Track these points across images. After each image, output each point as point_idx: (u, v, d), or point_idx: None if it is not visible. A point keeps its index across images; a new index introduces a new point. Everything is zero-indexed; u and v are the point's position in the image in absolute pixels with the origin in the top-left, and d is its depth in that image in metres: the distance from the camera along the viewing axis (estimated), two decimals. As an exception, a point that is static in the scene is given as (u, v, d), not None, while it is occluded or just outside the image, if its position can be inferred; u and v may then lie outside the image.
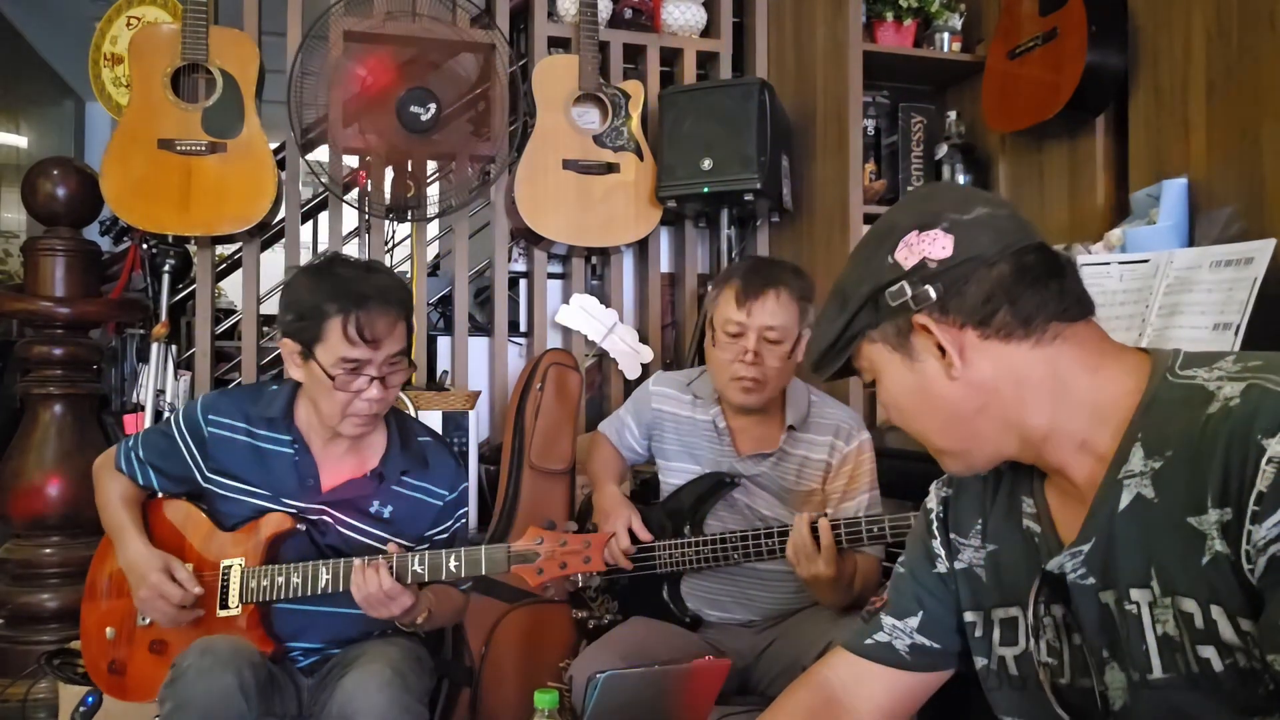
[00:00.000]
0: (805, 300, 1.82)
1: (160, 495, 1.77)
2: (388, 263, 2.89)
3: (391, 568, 1.57)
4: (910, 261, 0.90)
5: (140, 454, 1.74)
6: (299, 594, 1.62)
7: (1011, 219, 0.91)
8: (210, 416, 1.71)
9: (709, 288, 2.76)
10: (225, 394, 1.79)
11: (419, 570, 1.57)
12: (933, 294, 0.88)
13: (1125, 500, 0.85)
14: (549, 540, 1.53)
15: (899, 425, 0.99)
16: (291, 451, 1.70)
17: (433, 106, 2.45)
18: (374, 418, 1.67)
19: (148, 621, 1.70)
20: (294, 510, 1.68)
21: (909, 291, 0.89)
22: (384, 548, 1.62)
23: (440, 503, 1.77)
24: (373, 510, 1.71)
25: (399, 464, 1.74)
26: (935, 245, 0.89)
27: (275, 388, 1.75)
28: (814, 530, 1.66)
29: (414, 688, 1.59)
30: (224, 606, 1.65)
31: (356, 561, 1.58)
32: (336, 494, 1.70)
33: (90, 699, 1.96)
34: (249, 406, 1.73)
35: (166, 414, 2.46)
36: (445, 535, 1.77)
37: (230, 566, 1.66)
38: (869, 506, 1.86)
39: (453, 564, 1.57)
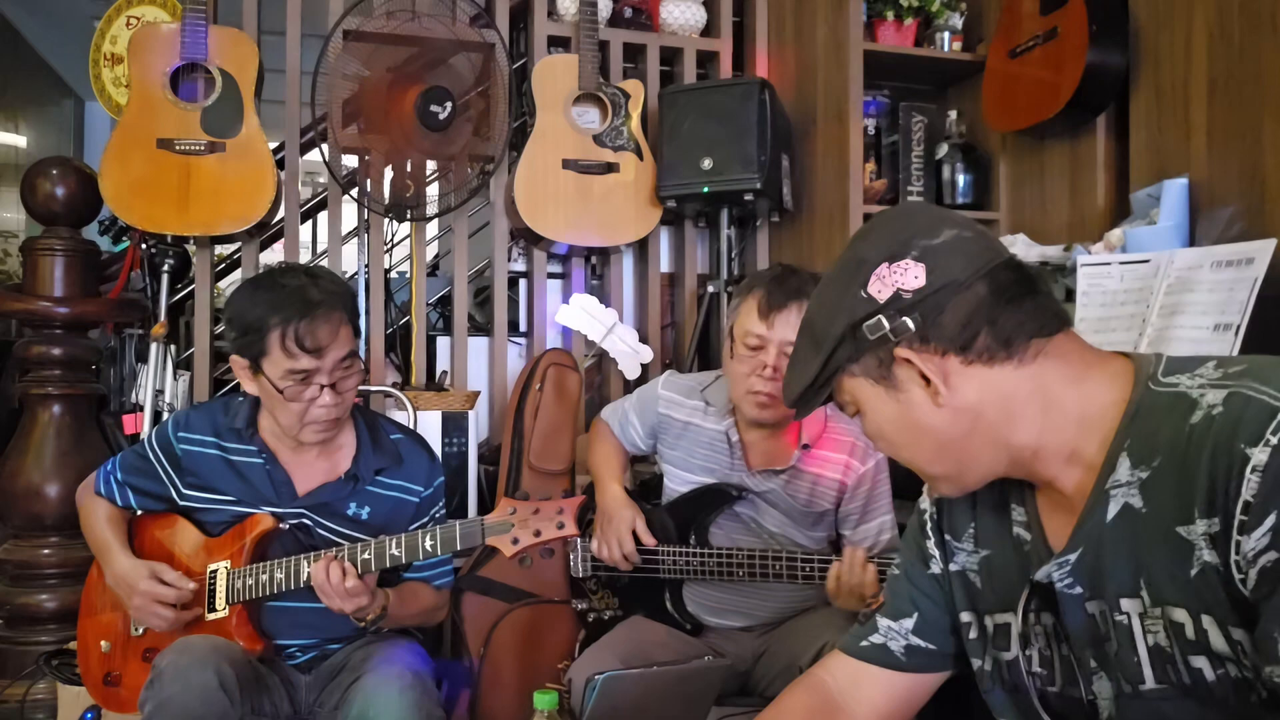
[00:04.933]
0: None
1: (140, 514, 1.78)
2: (387, 262, 2.88)
3: (370, 555, 1.57)
4: (884, 294, 0.89)
5: (118, 476, 1.76)
6: (283, 589, 1.62)
7: (979, 239, 0.91)
8: (180, 434, 1.72)
9: (708, 288, 2.76)
10: (196, 409, 1.80)
11: (396, 553, 1.57)
12: (911, 325, 0.87)
13: (1113, 510, 0.85)
14: (521, 509, 1.53)
15: (887, 454, 0.99)
16: (261, 461, 1.71)
17: (449, 105, 2.46)
18: (334, 423, 1.66)
19: (141, 631, 1.72)
20: (274, 515, 1.69)
21: (886, 325, 0.88)
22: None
23: (417, 499, 1.77)
24: (350, 513, 1.72)
25: (372, 463, 1.74)
26: (908, 275, 0.88)
27: (241, 399, 1.75)
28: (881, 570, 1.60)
29: (431, 690, 1.60)
30: (212, 609, 1.66)
31: (328, 553, 1.58)
32: (312, 498, 1.71)
33: (89, 715, 1.96)
34: (218, 419, 1.73)
35: (165, 414, 2.46)
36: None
37: (216, 570, 1.67)
38: (890, 529, 1.83)
39: (428, 543, 1.57)
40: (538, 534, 1.52)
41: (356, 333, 1.67)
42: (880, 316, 0.88)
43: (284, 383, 1.58)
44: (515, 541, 1.52)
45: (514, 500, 1.55)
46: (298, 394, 1.59)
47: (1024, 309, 0.88)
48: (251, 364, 1.61)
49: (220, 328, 2.99)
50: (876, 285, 0.89)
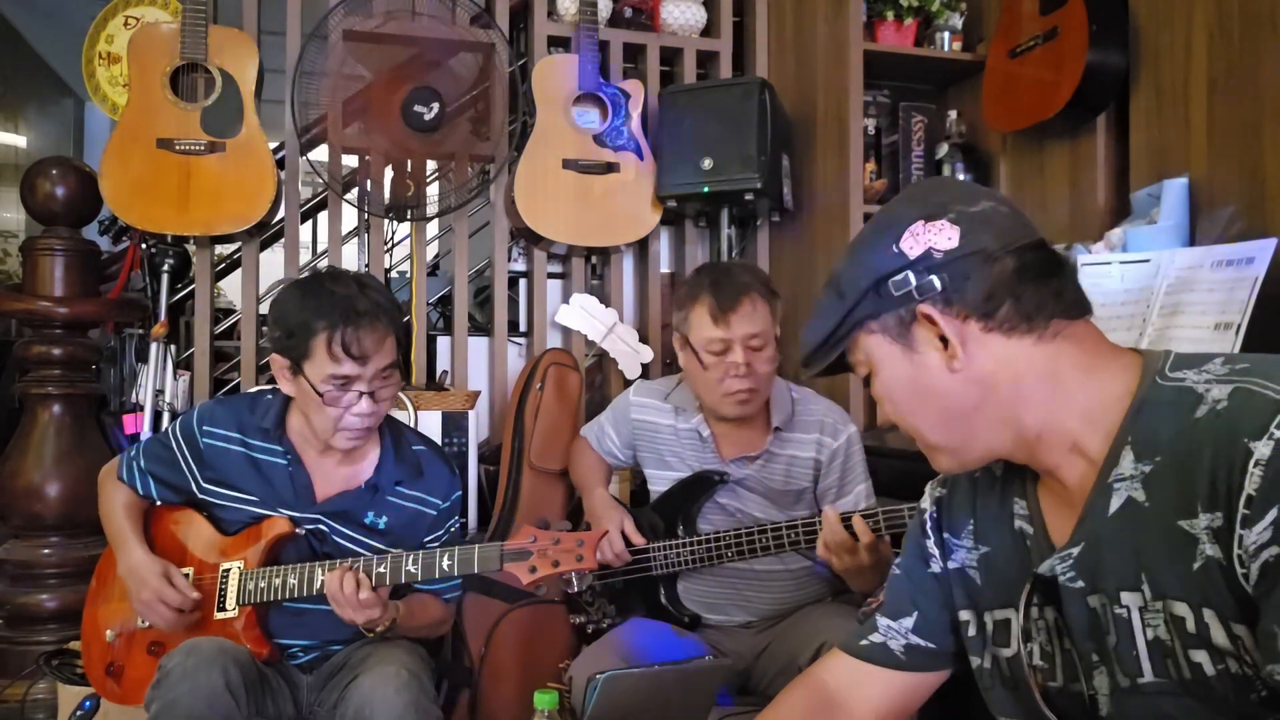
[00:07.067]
0: (774, 296, 1.81)
1: (160, 504, 1.78)
2: (387, 262, 2.88)
3: (385, 570, 1.57)
4: (916, 251, 0.89)
5: (141, 463, 1.76)
6: (295, 595, 1.62)
7: (1013, 215, 0.91)
8: (205, 427, 1.72)
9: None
10: (222, 403, 1.80)
11: (412, 570, 1.57)
12: (938, 284, 0.88)
13: (1116, 504, 0.85)
14: (542, 538, 1.53)
15: (892, 419, 0.98)
16: (285, 463, 1.71)
17: (436, 105, 2.45)
18: (366, 430, 1.67)
19: (147, 623, 1.71)
20: (291, 519, 1.69)
21: (913, 281, 0.89)
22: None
23: (435, 512, 1.77)
24: (367, 521, 1.72)
25: (393, 474, 1.74)
26: (941, 236, 0.88)
27: (270, 397, 1.75)
28: (846, 525, 1.63)
29: (428, 689, 1.60)
30: (221, 609, 1.66)
31: (344, 563, 1.58)
32: (331, 504, 1.71)
33: (88, 703, 1.96)
34: (244, 416, 1.73)
35: (165, 414, 2.46)
36: (440, 544, 1.77)
37: (229, 569, 1.67)
38: (866, 497, 1.86)
39: (445, 563, 1.58)
40: (556, 565, 1.52)
41: (399, 344, 1.68)
42: (908, 272, 0.89)
43: (324, 387, 1.59)
44: (533, 570, 1.52)
45: (535, 528, 1.55)
46: (336, 399, 1.60)
47: (1049, 288, 0.88)
48: (293, 365, 1.61)
49: (221, 327, 3.00)
50: (909, 241, 0.89)
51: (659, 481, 1.97)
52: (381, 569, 1.58)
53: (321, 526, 1.70)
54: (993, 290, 0.87)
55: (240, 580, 1.66)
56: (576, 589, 1.99)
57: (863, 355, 0.96)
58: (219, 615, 1.66)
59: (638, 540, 1.87)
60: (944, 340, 0.89)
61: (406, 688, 1.53)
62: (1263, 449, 0.73)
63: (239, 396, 1.83)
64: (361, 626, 1.58)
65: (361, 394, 1.61)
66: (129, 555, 1.69)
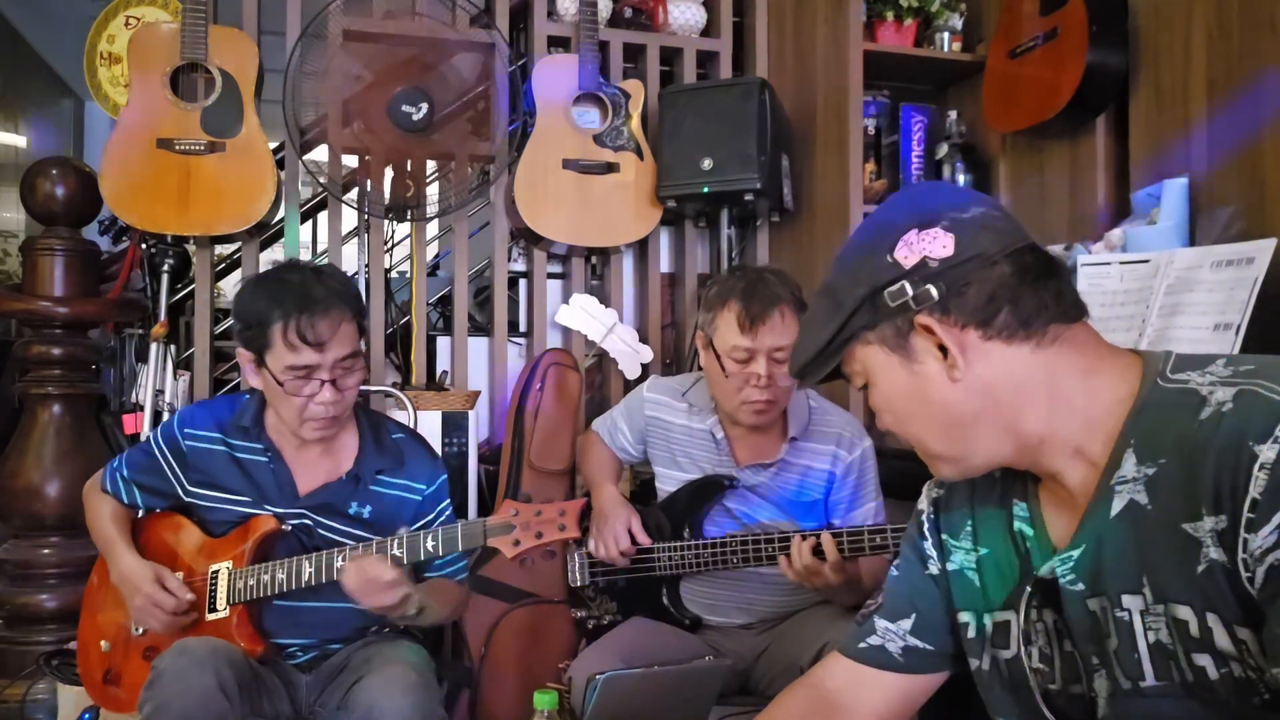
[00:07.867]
0: (803, 309, 1.78)
1: (146, 511, 1.79)
2: (387, 262, 2.88)
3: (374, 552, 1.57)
4: (911, 260, 0.88)
5: (124, 473, 1.77)
6: (284, 589, 1.63)
7: (1006, 219, 0.91)
8: (186, 430, 1.73)
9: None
10: (201, 406, 1.81)
11: (398, 554, 1.58)
12: (935, 293, 0.87)
13: (1118, 506, 0.85)
14: (524, 511, 1.54)
15: (892, 429, 0.97)
16: (266, 459, 1.71)
17: (424, 106, 2.45)
18: (334, 420, 1.67)
19: (142, 631, 1.72)
20: (276, 516, 1.69)
21: (910, 291, 0.87)
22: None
23: (419, 498, 1.77)
24: (351, 512, 1.72)
25: (374, 463, 1.74)
26: (936, 244, 0.87)
27: (248, 396, 1.76)
28: (816, 548, 1.65)
29: (434, 690, 1.60)
30: (212, 609, 1.67)
31: (353, 550, 1.59)
32: (314, 498, 1.71)
33: (87, 716, 1.97)
34: (224, 416, 1.74)
35: (165, 414, 2.46)
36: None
37: (218, 570, 1.68)
38: (875, 514, 1.85)
39: (429, 544, 1.58)
40: (539, 536, 1.53)
41: (361, 332, 1.68)
42: (904, 282, 0.88)
43: (284, 376, 1.59)
44: (517, 543, 1.53)
45: (516, 502, 1.56)
46: (298, 388, 1.60)
47: (1046, 292, 0.87)
48: (256, 357, 1.62)
49: (220, 327, 3.00)
50: (904, 251, 0.88)
51: (667, 481, 1.94)
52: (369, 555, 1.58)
53: (307, 521, 1.70)
54: (990, 296, 0.86)
55: (229, 580, 1.66)
56: (580, 583, 1.98)
57: (859, 366, 0.95)
58: (211, 616, 1.67)
59: (644, 540, 1.85)
60: (943, 350, 0.88)
61: (414, 689, 1.53)
62: (1268, 453, 0.73)
63: (218, 398, 1.85)
64: (391, 613, 1.57)
65: (323, 382, 1.61)
66: (119, 562, 1.70)
